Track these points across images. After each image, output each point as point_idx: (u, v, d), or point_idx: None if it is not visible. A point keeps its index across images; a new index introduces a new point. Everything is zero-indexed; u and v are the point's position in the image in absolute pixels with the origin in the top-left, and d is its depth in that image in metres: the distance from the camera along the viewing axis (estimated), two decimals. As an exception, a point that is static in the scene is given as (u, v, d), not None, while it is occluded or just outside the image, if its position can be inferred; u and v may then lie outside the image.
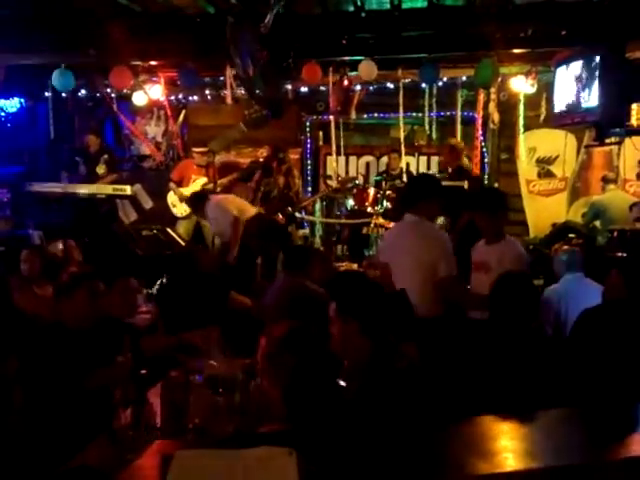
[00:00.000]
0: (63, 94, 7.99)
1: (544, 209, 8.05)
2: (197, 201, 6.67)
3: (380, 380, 2.34)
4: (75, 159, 7.98)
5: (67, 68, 7.26)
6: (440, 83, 7.67)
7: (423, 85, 7.74)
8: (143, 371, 2.66)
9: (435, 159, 8.89)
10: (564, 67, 6.66)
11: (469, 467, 1.76)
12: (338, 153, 8.58)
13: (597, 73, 6.03)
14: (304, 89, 8.03)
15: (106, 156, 7.95)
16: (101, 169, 7.82)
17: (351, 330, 2.50)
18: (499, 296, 2.95)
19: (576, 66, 6.42)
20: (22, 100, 8.38)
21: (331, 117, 8.22)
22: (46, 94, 8.02)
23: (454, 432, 2.00)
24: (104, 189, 7.53)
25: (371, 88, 7.94)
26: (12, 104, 8.31)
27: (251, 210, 6.41)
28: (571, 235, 6.69)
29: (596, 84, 6.04)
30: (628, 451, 1.94)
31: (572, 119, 6.73)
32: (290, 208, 6.83)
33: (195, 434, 2.33)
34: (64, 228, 6.24)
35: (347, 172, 9.00)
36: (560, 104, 6.78)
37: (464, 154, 7.38)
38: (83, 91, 8.33)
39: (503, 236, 3.89)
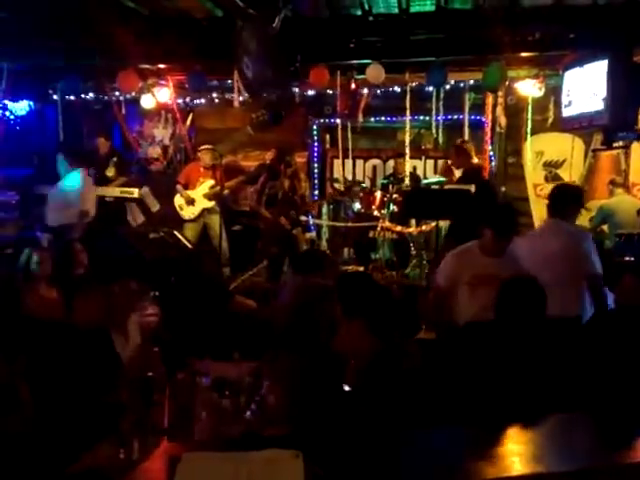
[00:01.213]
0: (71, 97, 8.03)
1: (551, 213, 8.01)
2: (82, 158, 6.80)
3: (386, 381, 2.34)
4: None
5: (74, 71, 7.33)
6: (447, 86, 7.66)
7: (430, 88, 7.74)
8: (150, 373, 2.66)
9: (441, 162, 8.88)
10: (572, 71, 6.65)
11: (476, 471, 1.76)
12: (345, 156, 8.59)
13: (605, 77, 6.02)
14: (311, 92, 8.04)
15: (115, 159, 7.98)
16: (111, 172, 7.86)
17: (357, 329, 2.50)
18: (506, 300, 2.95)
19: (584, 70, 6.41)
20: (31, 103, 8.42)
21: (338, 120, 8.23)
22: (54, 97, 8.06)
23: (461, 435, 1.99)
24: (111, 192, 7.56)
25: (378, 91, 7.94)
26: (21, 107, 8.36)
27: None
28: (578, 239, 6.66)
29: (604, 88, 6.02)
30: (636, 456, 1.93)
31: (580, 123, 6.72)
32: (294, 212, 6.82)
33: (201, 437, 2.33)
34: (72, 231, 6.26)
35: (354, 175, 9.00)
36: (568, 108, 6.77)
37: (473, 153, 7.25)
38: (91, 94, 8.35)
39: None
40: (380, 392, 2.28)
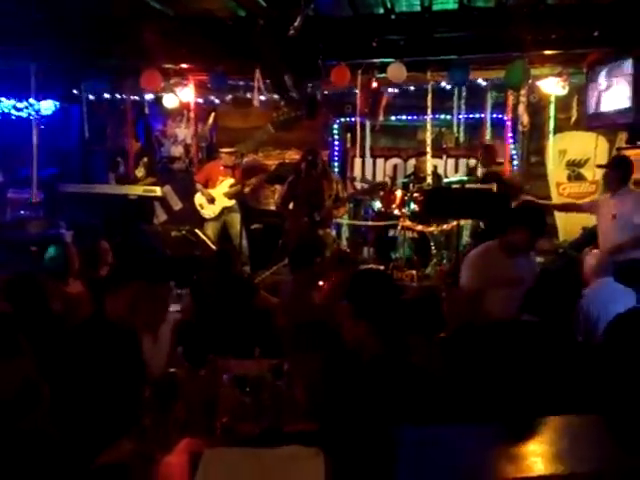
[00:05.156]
0: (96, 96, 8.12)
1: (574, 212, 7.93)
2: None
3: (397, 377, 2.33)
4: (117, 159, 8.13)
5: (100, 71, 7.42)
6: (469, 85, 7.61)
7: (452, 86, 7.71)
8: (172, 369, 2.70)
9: (463, 162, 8.83)
10: (596, 69, 6.58)
11: (497, 470, 1.75)
12: (363, 155, 8.59)
13: (630, 75, 5.96)
14: (332, 91, 8.05)
15: (145, 159, 8.09)
16: (140, 172, 7.98)
17: (361, 330, 2.49)
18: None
19: (608, 68, 6.34)
20: (56, 102, 8.54)
21: (357, 119, 8.21)
22: (80, 96, 8.15)
23: (482, 434, 1.99)
24: (135, 190, 7.65)
25: (399, 90, 7.92)
26: (46, 106, 8.48)
27: None
28: (601, 239, 6.58)
29: (629, 86, 5.96)
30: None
31: (604, 121, 6.65)
32: (316, 213, 6.79)
33: (223, 433, 2.36)
34: (96, 228, 6.34)
35: (374, 174, 8.99)
36: (592, 106, 6.70)
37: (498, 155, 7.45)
38: (115, 94, 8.43)
39: None
40: (395, 389, 2.28)
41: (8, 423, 1.97)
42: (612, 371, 2.57)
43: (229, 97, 8.53)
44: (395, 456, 1.74)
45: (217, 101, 8.79)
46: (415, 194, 7.44)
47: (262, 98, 7.24)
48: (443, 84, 7.52)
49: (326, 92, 7.93)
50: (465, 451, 1.89)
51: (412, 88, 7.87)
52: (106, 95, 8.24)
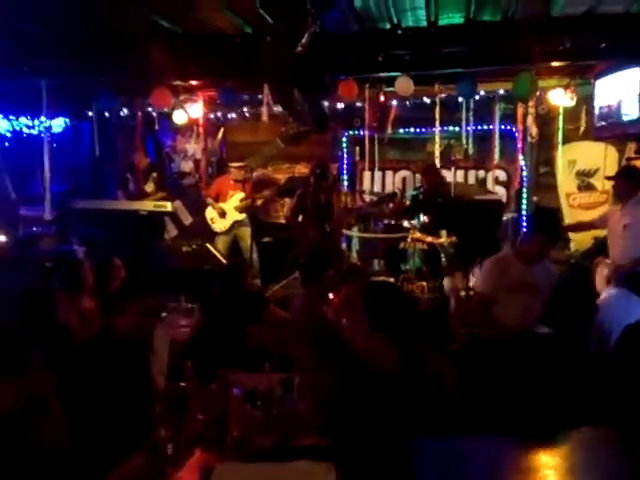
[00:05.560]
0: (106, 114, 8.21)
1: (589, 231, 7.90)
2: None
3: (412, 389, 2.32)
4: (126, 176, 8.19)
5: (109, 88, 7.49)
6: (477, 97, 7.63)
7: (460, 99, 7.73)
8: (183, 384, 2.70)
9: (472, 173, 8.83)
10: (604, 79, 6.58)
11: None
12: (372, 168, 8.61)
13: (638, 85, 5.95)
14: (340, 105, 8.08)
15: (155, 174, 8.15)
16: (150, 187, 8.03)
17: (379, 342, 2.49)
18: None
19: (616, 78, 6.34)
20: (66, 120, 8.62)
21: (366, 132, 8.23)
22: (89, 114, 8.24)
23: (496, 447, 1.98)
24: (145, 205, 7.69)
25: (407, 103, 7.95)
26: (57, 124, 8.56)
27: None
28: (613, 249, 6.55)
29: (637, 96, 5.95)
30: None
31: (612, 131, 6.64)
32: (327, 225, 6.80)
33: (234, 447, 2.36)
34: (107, 245, 6.38)
35: (383, 187, 9.00)
36: (600, 116, 6.69)
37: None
38: (125, 110, 8.50)
39: None
40: (408, 402, 2.27)
41: (17, 439, 1.98)
42: (624, 382, 2.56)
43: (238, 112, 8.58)
44: (411, 470, 1.74)
45: (228, 116, 8.84)
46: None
47: (273, 110, 7.29)
48: (451, 96, 7.53)
49: (334, 106, 7.96)
50: (479, 463, 1.88)
51: (420, 101, 7.89)
52: (116, 112, 8.31)
